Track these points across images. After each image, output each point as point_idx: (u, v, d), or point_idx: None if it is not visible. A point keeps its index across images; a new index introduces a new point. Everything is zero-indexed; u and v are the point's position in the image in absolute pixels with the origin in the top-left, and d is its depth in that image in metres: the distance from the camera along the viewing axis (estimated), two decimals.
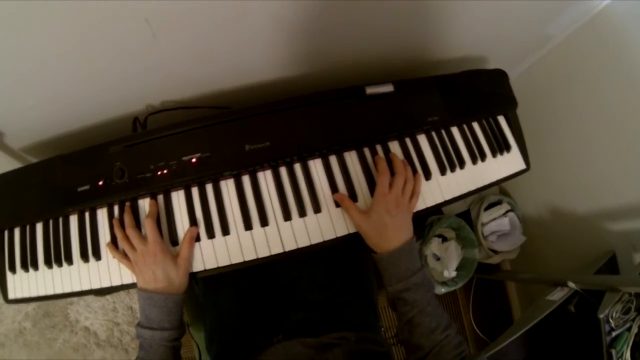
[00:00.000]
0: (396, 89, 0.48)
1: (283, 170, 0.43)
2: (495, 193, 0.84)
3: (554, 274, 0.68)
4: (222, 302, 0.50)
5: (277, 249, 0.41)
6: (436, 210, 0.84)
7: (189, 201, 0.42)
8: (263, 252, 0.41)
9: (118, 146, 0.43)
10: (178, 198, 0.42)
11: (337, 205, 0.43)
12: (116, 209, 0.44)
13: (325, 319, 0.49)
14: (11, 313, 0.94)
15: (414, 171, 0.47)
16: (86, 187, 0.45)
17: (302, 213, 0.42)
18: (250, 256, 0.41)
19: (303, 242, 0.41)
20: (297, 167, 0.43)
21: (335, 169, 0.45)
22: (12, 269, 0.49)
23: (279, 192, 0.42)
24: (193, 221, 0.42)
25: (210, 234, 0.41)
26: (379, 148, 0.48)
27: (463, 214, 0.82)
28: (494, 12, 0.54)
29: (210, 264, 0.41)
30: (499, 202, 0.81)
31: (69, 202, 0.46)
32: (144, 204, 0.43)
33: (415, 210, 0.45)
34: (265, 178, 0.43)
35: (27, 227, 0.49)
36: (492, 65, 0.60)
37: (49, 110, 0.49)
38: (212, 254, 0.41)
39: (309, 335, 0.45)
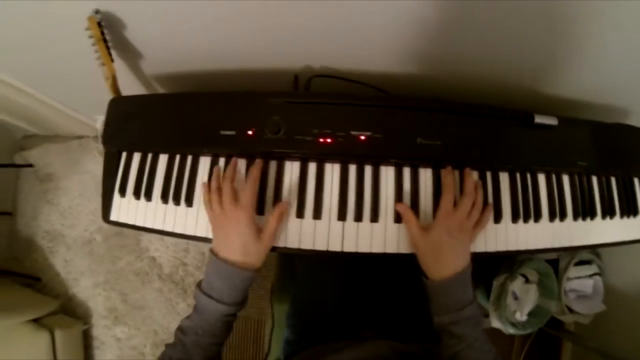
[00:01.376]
0: (559, 123, 0.46)
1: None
2: (588, 252, 0.81)
3: (622, 352, 0.65)
4: (321, 282, 0.49)
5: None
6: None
7: (343, 177, 0.40)
8: (405, 249, 0.39)
9: (279, 99, 0.41)
10: (332, 172, 0.41)
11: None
12: (257, 162, 0.42)
13: (417, 326, 0.47)
14: (86, 222, 0.96)
15: (553, 213, 0.45)
16: (231, 132, 0.43)
17: None
18: (392, 249, 0.39)
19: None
20: (456, 174, 0.41)
21: (489, 186, 0.43)
22: (122, 192, 0.48)
23: (436, 192, 0.41)
24: (343, 199, 0.40)
25: (358, 217, 0.40)
26: (528, 176, 0.46)
27: (551, 262, 0.79)
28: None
29: (350, 247, 0.39)
30: (589, 262, 0.78)
31: (206, 142, 0.44)
32: (291, 167, 0.41)
33: (554, 247, 0.43)
34: (426, 175, 0.41)
35: (150, 155, 0.47)
36: (633, 121, 0.57)
37: (198, 42, 0.47)
38: (355, 238, 0.39)
39: (398, 339, 0.43)
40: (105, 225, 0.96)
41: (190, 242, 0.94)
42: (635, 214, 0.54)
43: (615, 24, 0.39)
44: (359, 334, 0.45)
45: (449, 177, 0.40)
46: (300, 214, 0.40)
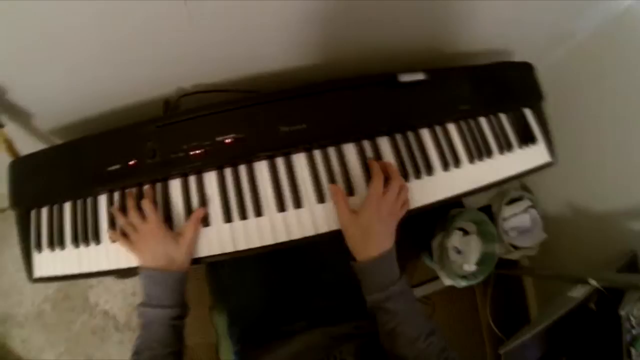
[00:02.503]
0: (428, 77, 0.48)
1: (317, 154, 0.43)
2: (516, 188, 0.84)
3: (575, 271, 0.68)
4: (247, 285, 0.50)
5: (309, 231, 0.41)
6: (457, 203, 0.85)
7: (221, 183, 0.42)
8: (295, 234, 0.41)
9: (150, 126, 0.43)
10: (210, 179, 0.42)
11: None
12: (146, 189, 0.44)
13: (345, 307, 0.49)
14: (31, 295, 0.94)
15: (446, 163, 0.47)
16: (117, 167, 0.44)
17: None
18: (282, 238, 0.40)
19: (336, 225, 0.41)
20: (332, 151, 0.43)
21: (369, 155, 0.45)
22: (39, 247, 0.49)
23: (313, 174, 0.42)
24: (225, 202, 0.41)
25: (243, 215, 0.41)
26: (410, 135, 0.48)
27: (484, 208, 0.82)
28: (521, 5, 0.54)
29: (241, 246, 0.40)
30: (520, 198, 0.80)
31: (98, 182, 0.46)
32: (176, 184, 0.43)
33: (457, 193, 0.45)
34: (299, 160, 0.42)
35: (55, 207, 0.49)
36: (518, 58, 0.60)
37: (78, 91, 0.49)
38: (244, 235, 0.41)
39: (330, 323, 0.45)
40: (51, 293, 0.96)
41: (136, 285, 0.94)
42: (533, 141, 0.57)
43: None
44: (292, 327, 0.46)
45: (375, 163, 0.41)
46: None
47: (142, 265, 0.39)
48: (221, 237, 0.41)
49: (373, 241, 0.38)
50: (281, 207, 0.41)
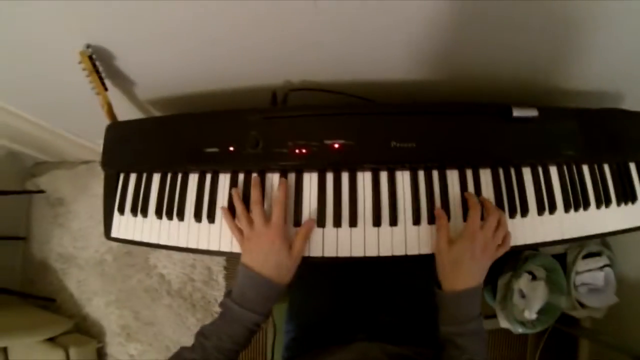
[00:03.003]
0: (540, 114, 0.46)
1: (421, 175, 0.42)
2: (596, 243, 0.78)
3: (638, 347, 0.62)
4: (315, 287, 0.49)
5: (398, 251, 0.40)
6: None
7: (321, 186, 0.41)
8: (385, 251, 0.40)
9: (256, 116, 0.43)
10: (310, 180, 0.42)
11: (465, 220, 0.41)
12: (241, 177, 0.44)
13: (409, 329, 0.47)
14: (97, 243, 1.01)
15: (541, 206, 0.45)
16: (214, 150, 0.45)
17: (431, 221, 0.41)
18: (371, 252, 0.40)
19: (425, 249, 0.40)
20: (435, 175, 0.42)
21: (470, 184, 0.43)
22: (121, 210, 0.51)
23: (414, 195, 0.41)
24: (322, 206, 0.41)
25: (337, 223, 0.40)
26: (512, 171, 0.46)
27: (558, 256, 0.77)
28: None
29: (330, 252, 0.40)
30: (598, 254, 0.75)
31: (193, 161, 0.46)
32: (272, 178, 0.43)
33: (544, 241, 0.43)
34: (403, 178, 0.41)
35: (144, 175, 0.50)
36: (630, 106, 0.56)
37: (185, 66, 0.50)
38: (334, 242, 0.40)
39: (390, 341, 0.43)
40: (115, 246, 1.03)
41: (197, 258, 0.97)
42: (633, 199, 0.52)
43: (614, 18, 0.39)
44: (352, 337, 0.45)
45: (472, 195, 0.41)
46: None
47: (248, 264, 0.38)
48: (311, 240, 0.40)
49: (462, 274, 0.37)
50: (377, 222, 0.40)
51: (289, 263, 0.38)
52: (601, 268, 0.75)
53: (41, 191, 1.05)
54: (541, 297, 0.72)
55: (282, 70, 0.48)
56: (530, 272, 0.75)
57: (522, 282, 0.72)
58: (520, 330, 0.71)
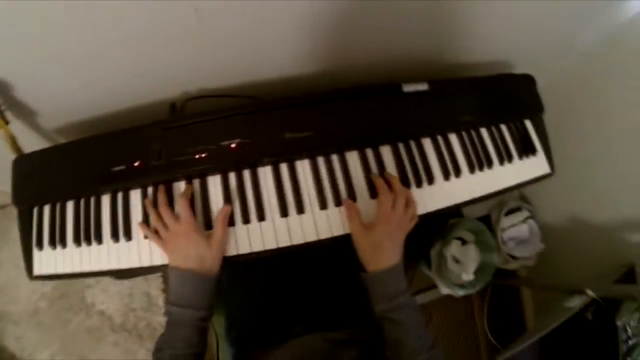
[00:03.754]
0: (431, 87, 0.49)
1: (321, 161, 0.43)
2: (515, 199, 0.84)
3: (572, 282, 0.69)
4: (246, 289, 0.50)
5: (311, 237, 0.41)
6: (456, 212, 0.86)
7: (225, 186, 0.42)
8: (297, 239, 0.41)
9: (156, 129, 0.44)
10: (214, 183, 0.43)
11: (373, 196, 0.44)
12: (150, 190, 0.44)
13: (344, 312, 0.49)
14: (28, 292, 0.93)
15: (447, 172, 0.48)
16: (121, 168, 0.45)
17: (338, 203, 0.43)
18: (284, 243, 0.41)
19: (337, 231, 0.42)
20: (335, 159, 0.44)
21: (372, 163, 0.45)
22: (40, 245, 0.49)
23: (316, 181, 0.43)
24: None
25: (246, 219, 0.42)
26: (412, 144, 0.49)
27: (483, 218, 0.83)
28: (522, 17, 0.55)
29: (244, 249, 0.41)
30: (518, 209, 0.81)
31: (102, 182, 0.46)
32: (179, 187, 0.43)
33: (457, 202, 0.46)
34: (304, 167, 0.43)
35: (58, 205, 0.49)
36: (519, 70, 0.61)
37: (84, 91, 0.50)
38: (246, 239, 0.41)
39: (329, 329, 0.45)
40: (47, 291, 0.96)
41: (133, 286, 0.94)
42: (533, 152, 0.57)
43: None
44: (290, 332, 0.47)
45: (379, 179, 0.42)
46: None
47: (173, 264, 0.39)
48: (240, 238, 0.41)
49: (383, 254, 0.39)
50: (284, 212, 0.42)
51: (210, 252, 0.39)
52: (524, 221, 0.82)
53: None
54: (474, 258, 0.77)
55: (178, 82, 0.48)
56: (459, 238, 0.80)
57: (454, 248, 0.77)
58: (461, 292, 0.76)
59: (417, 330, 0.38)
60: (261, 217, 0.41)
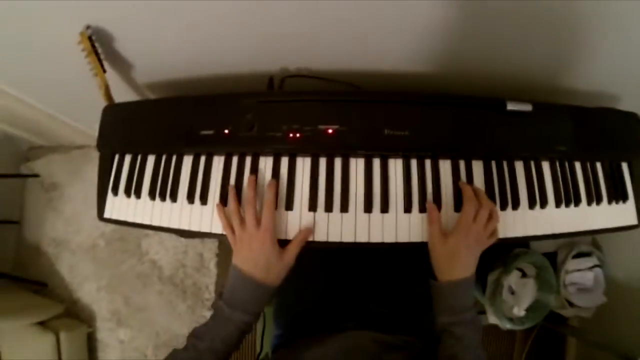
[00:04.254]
0: (534, 110, 0.46)
1: (414, 163, 0.42)
2: (587, 243, 0.79)
3: (626, 347, 0.63)
4: (304, 277, 0.49)
5: (389, 238, 0.40)
6: (524, 243, 0.81)
7: (314, 170, 0.42)
8: (375, 238, 0.40)
9: (252, 99, 0.43)
10: (303, 165, 0.42)
11: (457, 210, 0.42)
12: (235, 160, 0.44)
13: (398, 318, 0.48)
14: (90, 228, 1.00)
15: (532, 200, 0.45)
16: (210, 132, 0.45)
17: (423, 209, 0.41)
18: (362, 239, 0.40)
19: (415, 237, 0.40)
20: (428, 164, 0.42)
21: (463, 175, 0.43)
22: (115, 191, 0.51)
23: (406, 183, 0.41)
24: (314, 191, 0.41)
25: (329, 207, 0.41)
26: (504, 164, 0.46)
27: (549, 255, 0.78)
28: (638, 54, 0.50)
29: (320, 237, 0.40)
30: (588, 254, 0.76)
31: (188, 142, 0.46)
32: (265, 162, 0.43)
33: (534, 234, 0.43)
34: (395, 166, 0.42)
35: (139, 156, 0.50)
36: (625, 107, 0.57)
37: (183, 50, 0.50)
38: (325, 227, 0.40)
39: (379, 330, 0.44)
40: (108, 231, 1.02)
41: (189, 244, 0.97)
42: (624, 199, 0.53)
43: (616, 20, 0.40)
44: (342, 326, 0.46)
45: (468, 187, 0.41)
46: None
47: (239, 265, 0.38)
48: (302, 224, 0.40)
49: (457, 265, 0.38)
50: (368, 208, 0.40)
51: (279, 266, 0.38)
52: (591, 268, 0.76)
53: (35, 175, 1.04)
54: (530, 294, 0.72)
55: (279, 57, 0.48)
56: (520, 269, 0.76)
57: (512, 279, 0.73)
58: (508, 326, 0.72)
59: (475, 348, 0.37)
60: (344, 208, 0.40)
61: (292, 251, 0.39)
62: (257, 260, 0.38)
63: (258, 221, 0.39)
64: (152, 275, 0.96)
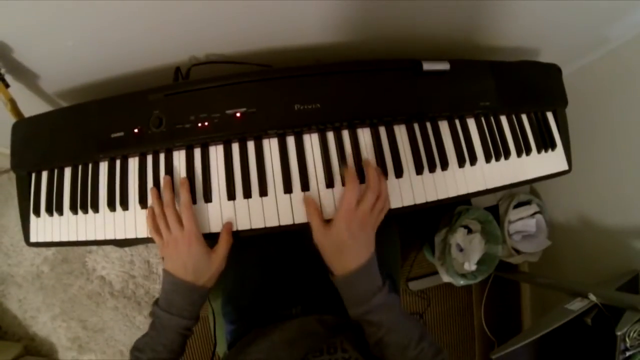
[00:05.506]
0: (452, 68, 0.46)
1: (330, 135, 0.41)
2: (525, 192, 0.81)
3: (576, 284, 0.66)
4: (245, 266, 0.49)
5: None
6: (465, 200, 0.83)
7: (227, 157, 0.40)
8: (300, 218, 0.39)
9: (158, 94, 0.41)
10: (216, 153, 0.40)
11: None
12: (149, 159, 0.42)
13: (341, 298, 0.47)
14: (30, 255, 0.94)
15: (461, 159, 0.45)
16: (120, 134, 0.43)
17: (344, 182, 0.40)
18: (286, 221, 0.39)
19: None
20: (345, 134, 0.41)
21: (384, 141, 0.43)
22: (37, 212, 0.48)
23: (324, 156, 0.40)
24: (230, 178, 0.40)
25: (247, 194, 0.39)
26: (428, 125, 0.46)
27: (491, 208, 0.80)
28: (555, 6, 0.51)
29: (243, 225, 0.39)
30: (528, 202, 0.78)
31: (100, 148, 0.44)
32: (179, 156, 0.41)
33: (469, 192, 0.43)
34: (311, 141, 0.40)
35: (55, 171, 0.47)
36: (545, 59, 0.57)
37: (88, 53, 0.47)
38: (247, 215, 0.39)
39: (327, 312, 0.43)
40: (50, 255, 0.96)
41: (134, 254, 0.94)
42: (552, 146, 0.54)
43: None
44: (288, 312, 0.45)
45: (351, 172, 0.38)
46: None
47: (169, 270, 0.37)
48: (223, 215, 0.39)
49: (347, 257, 0.36)
50: (288, 189, 0.39)
51: (209, 268, 0.37)
52: (532, 215, 0.79)
53: None
54: (478, 248, 0.74)
55: (186, 47, 0.46)
56: (465, 226, 0.77)
57: (459, 236, 0.74)
58: (462, 282, 0.74)
59: (400, 326, 0.35)
60: (263, 192, 0.39)
61: (221, 251, 0.38)
62: (187, 263, 0.36)
63: (181, 223, 0.37)
64: (104, 293, 0.92)
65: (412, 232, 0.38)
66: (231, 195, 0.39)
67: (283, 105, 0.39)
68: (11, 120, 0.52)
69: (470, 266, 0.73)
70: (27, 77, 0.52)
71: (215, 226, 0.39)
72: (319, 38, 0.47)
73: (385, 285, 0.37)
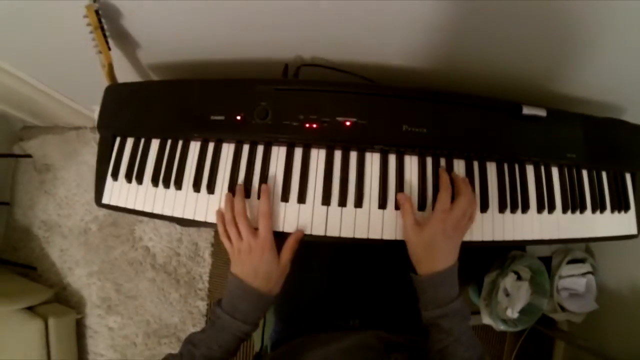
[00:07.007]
0: (548, 115, 0.46)
1: (429, 160, 0.41)
2: (581, 250, 0.81)
3: (613, 353, 0.64)
4: (309, 269, 0.49)
5: (402, 235, 0.39)
6: (520, 245, 0.82)
7: (328, 163, 0.41)
8: (389, 235, 0.39)
9: (267, 86, 0.42)
10: (318, 156, 0.41)
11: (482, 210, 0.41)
12: (245, 148, 0.43)
13: (404, 318, 0.47)
14: (82, 212, 0.97)
15: (541, 205, 0.45)
16: (220, 117, 0.43)
17: None
18: (375, 235, 0.39)
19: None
20: (443, 162, 0.42)
21: (476, 175, 0.43)
22: (115, 176, 0.48)
23: (421, 179, 0.41)
24: (328, 184, 0.40)
25: (342, 202, 0.40)
26: (516, 167, 0.46)
27: (544, 259, 0.79)
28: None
29: (333, 232, 0.39)
30: (582, 260, 0.78)
31: (196, 127, 0.45)
32: (278, 152, 0.42)
33: (541, 238, 0.43)
34: (411, 163, 0.41)
35: (142, 140, 0.48)
36: (629, 117, 0.57)
37: (196, 32, 0.48)
38: (338, 222, 0.39)
39: (385, 329, 0.43)
40: (101, 215, 1.00)
41: (184, 232, 0.95)
42: (626, 209, 0.54)
43: (619, 24, 0.39)
44: (345, 323, 0.45)
45: (445, 175, 0.40)
46: (285, 197, 0.40)
47: (238, 275, 0.38)
48: (314, 218, 0.40)
49: (436, 256, 0.37)
50: (383, 204, 0.40)
51: (277, 274, 0.38)
52: (584, 275, 0.78)
53: (28, 155, 1.00)
54: (524, 297, 0.74)
55: (293, 45, 0.47)
56: (516, 272, 0.77)
57: (508, 281, 0.74)
58: (502, 327, 0.73)
59: (466, 340, 0.35)
60: (359, 203, 0.40)
61: (286, 257, 0.39)
62: (257, 270, 0.37)
63: (254, 232, 0.38)
64: (145, 263, 0.94)
65: (461, 269, 0.38)
66: (326, 201, 0.40)
67: (392, 123, 0.40)
68: (99, 82, 0.53)
69: (513, 313, 0.72)
70: (129, 44, 0.54)
71: (305, 228, 0.40)
72: (409, 62, 0.48)
73: (461, 294, 0.37)
